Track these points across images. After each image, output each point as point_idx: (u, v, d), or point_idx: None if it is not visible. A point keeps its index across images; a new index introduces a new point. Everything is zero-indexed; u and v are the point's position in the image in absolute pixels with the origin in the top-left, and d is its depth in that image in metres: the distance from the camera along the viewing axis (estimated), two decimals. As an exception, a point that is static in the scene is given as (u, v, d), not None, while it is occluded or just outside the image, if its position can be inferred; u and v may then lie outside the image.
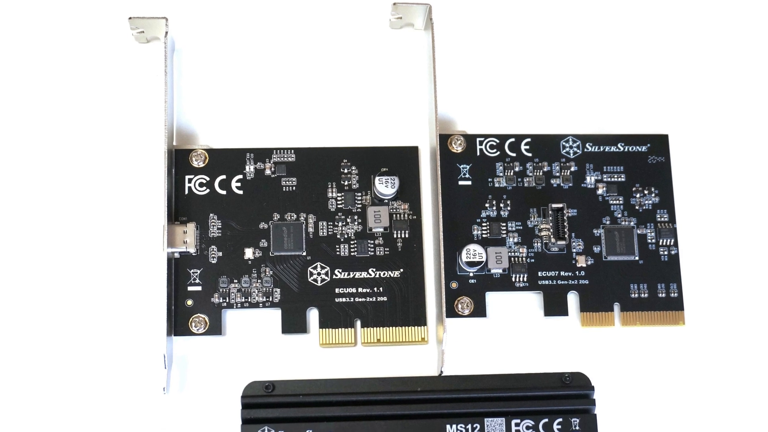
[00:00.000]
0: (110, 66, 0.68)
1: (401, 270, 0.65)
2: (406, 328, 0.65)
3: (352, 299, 0.65)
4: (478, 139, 0.67)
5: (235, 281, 0.65)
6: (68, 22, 0.68)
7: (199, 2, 0.69)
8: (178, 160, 0.66)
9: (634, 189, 0.67)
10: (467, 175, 0.67)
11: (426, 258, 0.66)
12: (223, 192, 0.66)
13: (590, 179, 0.67)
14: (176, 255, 0.65)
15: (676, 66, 0.70)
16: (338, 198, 0.66)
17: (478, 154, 0.67)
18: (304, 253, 0.65)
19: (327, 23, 0.69)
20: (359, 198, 0.66)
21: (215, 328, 0.64)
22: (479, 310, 0.65)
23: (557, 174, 0.67)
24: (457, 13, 0.70)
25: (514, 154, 0.67)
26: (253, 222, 0.66)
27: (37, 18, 0.68)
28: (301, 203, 0.66)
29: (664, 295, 0.66)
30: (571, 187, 0.67)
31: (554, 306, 0.66)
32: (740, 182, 0.69)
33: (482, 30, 0.70)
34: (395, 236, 0.66)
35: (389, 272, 0.65)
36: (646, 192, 0.67)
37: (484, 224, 0.66)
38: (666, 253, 0.66)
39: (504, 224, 0.66)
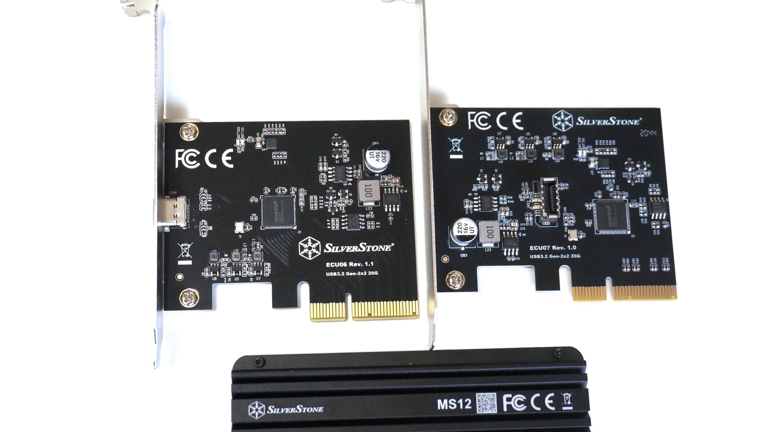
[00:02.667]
0: (100, 40, 0.67)
1: (392, 244, 0.65)
2: (398, 302, 0.65)
3: (343, 273, 0.65)
4: (469, 113, 0.67)
5: (225, 255, 0.64)
6: (57, -5, 0.68)
7: (189, -25, 0.69)
8: (169, 134, 0.66)
9: (626, 163, 0.67)
10: (458, 149, 0.67)
11: (417, 232, 0.66)
12: (214, 166, 0.66)
13: (582, 153, 0.67)
14: (166, 229, 0.65)
15: (668, 39, 0.70)
16: (329, 172, 0.66)
17: (470, 127, 0.67)
18: (295, 227, 0.65)
19: (318, -4, 0.69)
20: (350, 172, 0.66)
21: (205, 302, 0.64)
22: (471, 285, 0.65)
23: (549, 148, 0.67)
24: (448, -14, 0.70)
25: (505, 128, 0.67)
26: (243, 196, 0.65)
27: (26, -9, 0.68)
28: (291, 177, 0.66)
29: (656, 269, 0.66)
30: (562, 161, 0.67)
31: (546, 280, 0.66)
32: (732, 156, 0.68)
33: (474, 3, 0.70)
34: (386, 210, 0.66)
35: (380, 246, 0.65)
36: (638, 166, 0.67)
37: (475, 198, 0.66)
38: (658, 227, 0.66)
39: (495, 198, 0.66)
